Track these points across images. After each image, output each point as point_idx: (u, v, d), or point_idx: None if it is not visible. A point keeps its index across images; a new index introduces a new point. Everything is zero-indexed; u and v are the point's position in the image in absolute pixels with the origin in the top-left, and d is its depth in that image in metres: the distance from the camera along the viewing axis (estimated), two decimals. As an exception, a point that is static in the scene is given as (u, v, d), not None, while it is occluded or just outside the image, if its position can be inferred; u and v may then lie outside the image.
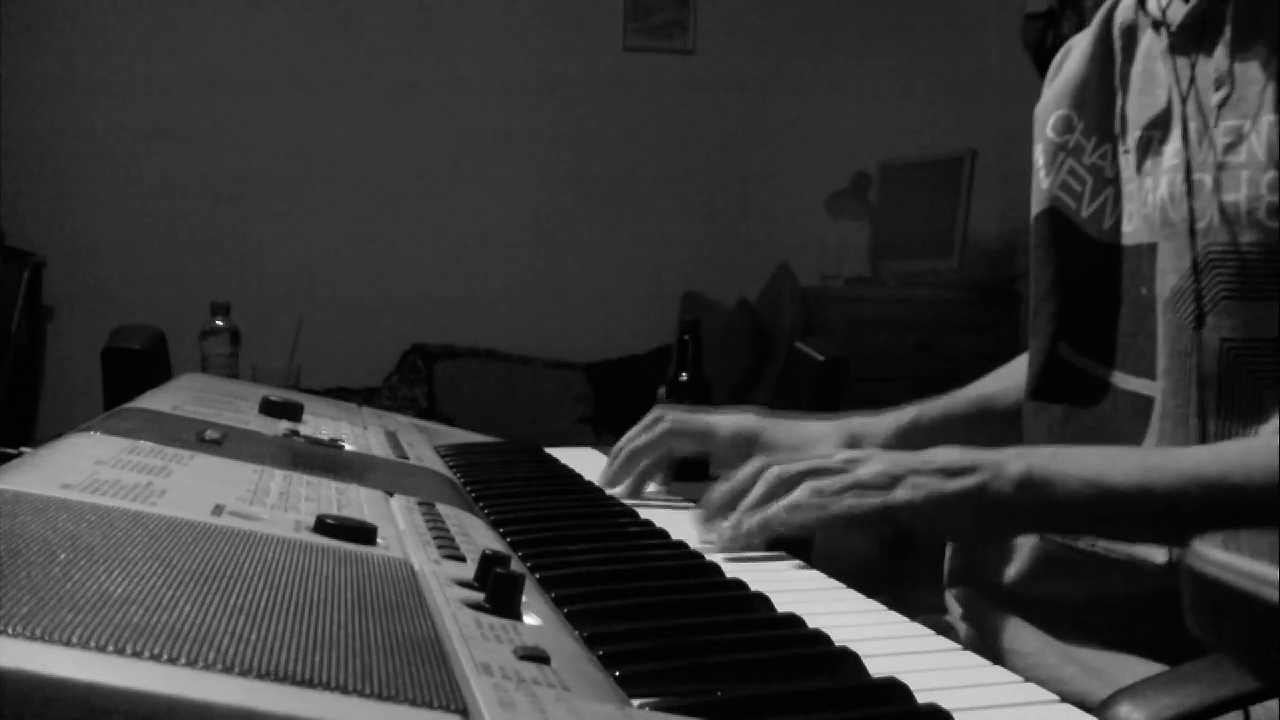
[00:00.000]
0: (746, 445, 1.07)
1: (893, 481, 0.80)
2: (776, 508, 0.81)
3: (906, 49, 4.31)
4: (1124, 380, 0.93)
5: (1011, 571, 0.96)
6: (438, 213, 4.00)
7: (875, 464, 0.82)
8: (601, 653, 0.53)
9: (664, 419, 1.08)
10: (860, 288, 3.97)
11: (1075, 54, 1.04)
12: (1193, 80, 0.89)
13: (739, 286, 3.97)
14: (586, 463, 1.16)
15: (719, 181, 4.21)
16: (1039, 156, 1.03)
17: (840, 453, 0.85)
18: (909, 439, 1.07)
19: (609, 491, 1.04)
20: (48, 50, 3.67)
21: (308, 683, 0.36)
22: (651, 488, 1.08)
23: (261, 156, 3.86)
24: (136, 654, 0.34)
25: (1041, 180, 1.02)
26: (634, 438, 1.08)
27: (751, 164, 4.22)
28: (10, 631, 0.33)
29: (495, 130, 4.03)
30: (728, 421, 1.09)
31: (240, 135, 3.84)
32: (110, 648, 0.34)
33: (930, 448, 0.84)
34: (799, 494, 0.81)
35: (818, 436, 1.08)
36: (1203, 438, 0.85)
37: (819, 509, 0.80)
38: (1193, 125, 0.88)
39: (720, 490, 0.86)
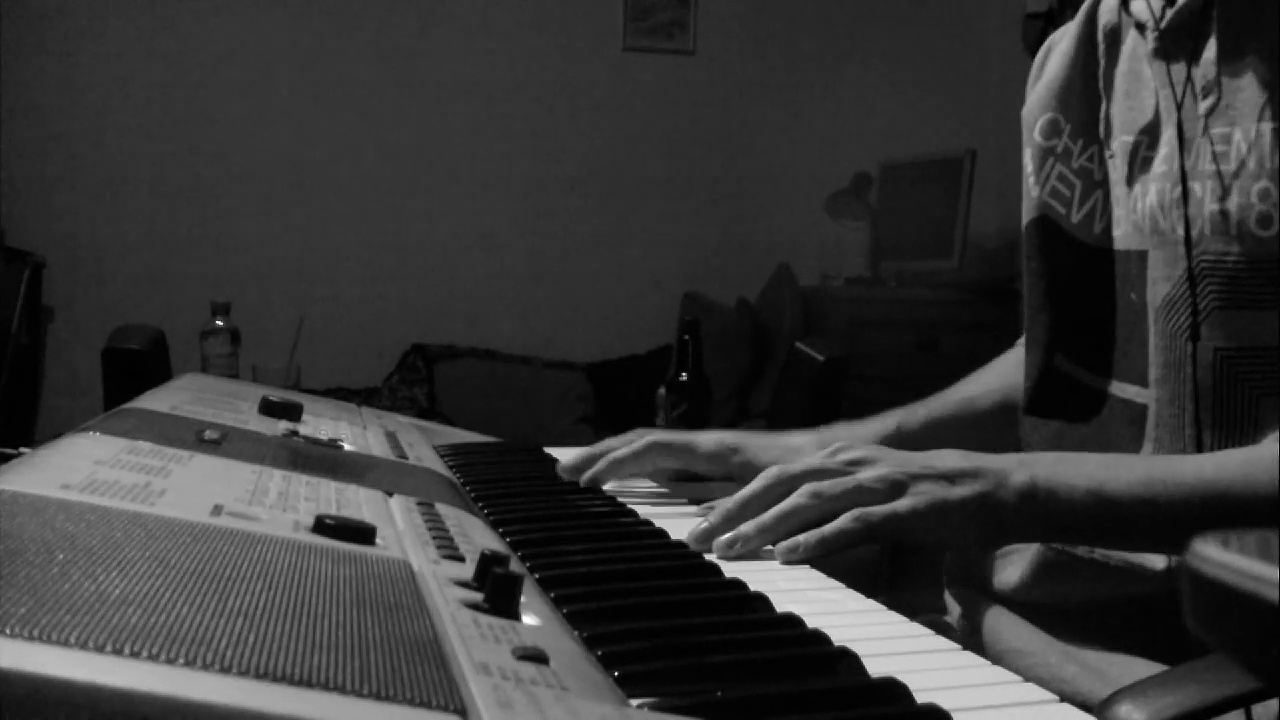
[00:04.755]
0: (727, 456, 1.05)
1: (895, 488, 0.79)
2: (774, 514, 0.80)
3: (906, 49, 4.31)
4: (1119, 388, 0.92)
5: (1013, 575, 0.96)
6: (438, 213, 4.00)
7: (878, 468, 0.81)
8: (600, 653, 0.52)
9: (646, 435, 1.07)
10: (860, 288, 3.98)
11: (1057, 54, 1.03)
12: (1186, 85, 0.88)
13: (739, 286, 3.98)
14: (586, 463, 1.15)
15: (719, 181, 4.21)
16: (1028, 162, 1.02)
17: (843, 452, 0.84)
18: (893, 444, 1.06)
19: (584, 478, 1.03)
20: (48, 50, 3.67)
21: (306, 683, 0.36)
22: (651, 486, 1.08)
23: (262, 156, 3.86)
24: (135, 654, 0.34)
25: (1031, 187, 1.01)
26: (615, 448, 1.07)
27: (751, 164, 4.22)
28: (9, 632, 0.33)
29: (495, 130, 4.03)
30: (708, 436, 1.07)
31: (240, 135, 3.84)
32: (109, 648, 0.34)
33: (929, 450, 0.83)
34: (797, 497, 0.80)
35: (796, 447, 1.06)
36: (1199, 447, 0.85)
37: (819, 514, 0.79)
38: (1183, 133, 0.88)
39: (725, 505, 0.83)
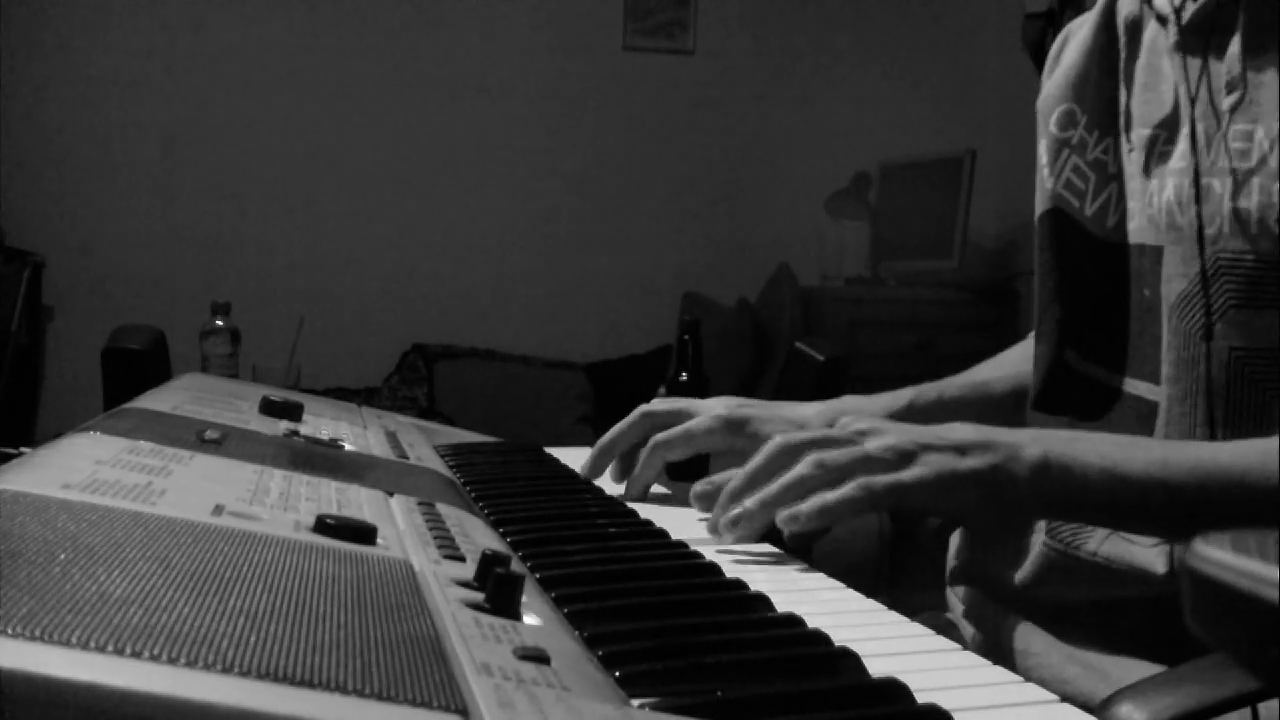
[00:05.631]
0: (734, 430, 1.03)
1: (903, 457, 0.77)
2: (777, 485, 0.78)
3: (906, 49, 4.31)
4: (1129, 385, 0.91)
5: (1017, 574, 0.95)
6: (438, 213, 4.00)
7: (886, 437, 0.78)
8: (601, 653, 0.52)
9: (649, 428, 1.05)
10: (860, 288, 3.98)
11: (1074, 44, 1.01)
12: (1203, 81, 0.87)
13: (739, 286, 3.98)
14: (586, 463, 1.15)
15: (719, 181, 4.22)
16: (1043, 154, 1.00)
17: (851, 423, 0.81)
18: (903, 421, 1.05)
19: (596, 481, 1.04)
20: (48, 50, 3.67)
21: (307, 683, 0.36)
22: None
23: (261, 156, 3.86)
24: (136, 654, 0.34)
25: (1045, 179, 1.00)
26: (618, 437, 1.06)
27: (751, 164, 4.23)
28: (10, 632, 0.33)
29: (495, 130, 4.04)
30: (704, 417, 1.04)
31: (240, 135, 3.84)
32: (110, 648, 0.34)
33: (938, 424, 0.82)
34: (802, 467, 0.78)
35: (802, 420, 1.04)
36: None
37: (824, 484, 0.77)
38: (1202, 128, 0.86)
39: (731, 485, 0.82)
